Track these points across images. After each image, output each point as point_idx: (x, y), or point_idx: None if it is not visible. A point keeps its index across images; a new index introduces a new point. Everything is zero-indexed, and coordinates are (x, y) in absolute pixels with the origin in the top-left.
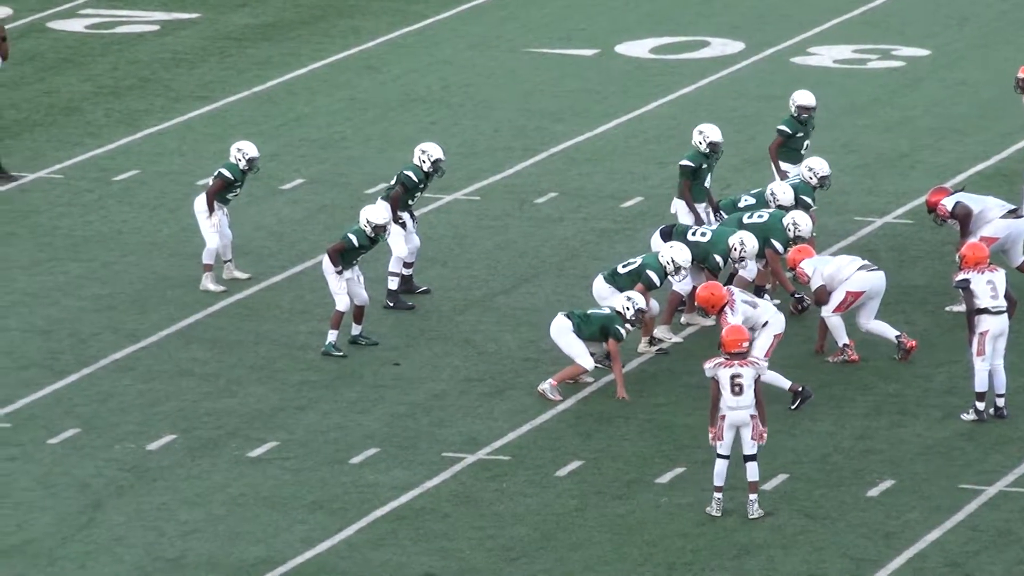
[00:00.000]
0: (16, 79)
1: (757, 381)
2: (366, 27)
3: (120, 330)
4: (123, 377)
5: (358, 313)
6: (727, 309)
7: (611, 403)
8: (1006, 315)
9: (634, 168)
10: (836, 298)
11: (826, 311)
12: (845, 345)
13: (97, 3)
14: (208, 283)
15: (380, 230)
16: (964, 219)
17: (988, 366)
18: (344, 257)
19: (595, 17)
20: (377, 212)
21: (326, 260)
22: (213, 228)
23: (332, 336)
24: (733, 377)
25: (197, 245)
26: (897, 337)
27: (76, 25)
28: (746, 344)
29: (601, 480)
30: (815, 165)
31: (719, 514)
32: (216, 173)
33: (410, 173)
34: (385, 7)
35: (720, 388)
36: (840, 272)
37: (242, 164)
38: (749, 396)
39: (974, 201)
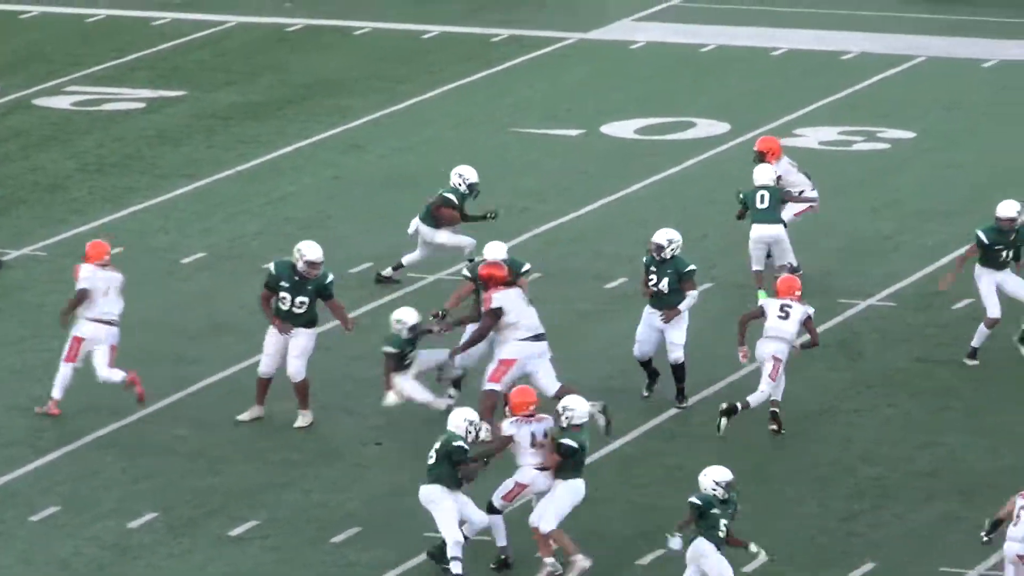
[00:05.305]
0: (1, 156)
1: (547, 436)
2: (352, 106)
3: (103, 408)
4: (105, 454)
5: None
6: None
7: (594, 484)
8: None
9: (619, 249)
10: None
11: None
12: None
13: (83, 80)
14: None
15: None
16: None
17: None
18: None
19: (581, 97)
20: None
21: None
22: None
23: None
24: (533, 435)
25: (180, 322)
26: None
27: (62, 102)
28: (533, 407)
29: None
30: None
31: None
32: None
33: (450, 195)
34: (371, 86)
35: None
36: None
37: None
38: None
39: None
